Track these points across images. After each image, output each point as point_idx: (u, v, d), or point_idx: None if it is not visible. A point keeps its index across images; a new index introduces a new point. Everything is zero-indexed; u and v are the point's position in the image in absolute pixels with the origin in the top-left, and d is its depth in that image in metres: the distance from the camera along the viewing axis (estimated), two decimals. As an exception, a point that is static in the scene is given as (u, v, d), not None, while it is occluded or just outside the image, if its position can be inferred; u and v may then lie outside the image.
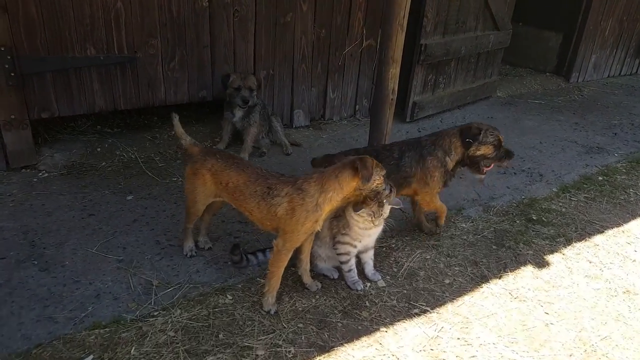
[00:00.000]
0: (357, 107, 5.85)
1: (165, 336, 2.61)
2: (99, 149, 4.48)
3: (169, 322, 2.70)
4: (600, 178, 4.86)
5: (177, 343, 2.57)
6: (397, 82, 3.80)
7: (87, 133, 4.72)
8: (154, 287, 2.96)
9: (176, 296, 2.90)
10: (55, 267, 3.07)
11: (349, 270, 3.07)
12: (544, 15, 8.34)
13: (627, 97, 7.79)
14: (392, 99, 3.85)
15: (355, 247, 3.01)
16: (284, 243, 2.71)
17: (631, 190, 4.65)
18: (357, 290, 3.06)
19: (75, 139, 4.59)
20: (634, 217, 4.19)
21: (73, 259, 3.15)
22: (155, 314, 2.76)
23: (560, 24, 8.19)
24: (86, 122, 4.86)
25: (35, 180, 3.97)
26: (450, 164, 3.40)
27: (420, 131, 5.72)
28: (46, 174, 4.06)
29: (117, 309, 2.78)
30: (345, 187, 2.64)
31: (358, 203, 2.78)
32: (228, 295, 2.94)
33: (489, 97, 7.06)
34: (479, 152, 3.35)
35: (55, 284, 2.93)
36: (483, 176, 3.49)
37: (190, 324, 2.70)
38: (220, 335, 2.66)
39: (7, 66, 3.79)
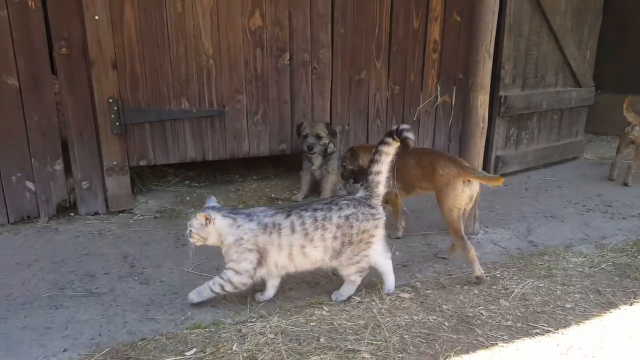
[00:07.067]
0: (432, 163, 5.88)
1: (265, 338, 2.55)
2: (188, 198, 4.71)
3: (267, 326, 2.65)
4: None
5: (278, 344, 2.50)
6: (487, 111, 3.79)
7: (177, 186, 5.01)
8: (249, 300, 2.95)
9: (272, 307, 2.88)
10: (154, 282, 3.14)
11: None
12: (623, 80, 7.92)
13: None
14: (482, 128, 3.79)
15: None
16: None
17: None
18: None
19: (166, 189, 4.88)
20: None
21: (170, 276, 3.23)
22: (253, 320, 2.73)
23: (642, 86, 7.71)
24: (175, 178, 5.19)
25: (131, 221, 4.18)
26: None
27: (506, 185, 5.46)
28: (141, 217, 4.28)
29: (216, 315, 2.77)
30: None
31: None
32: (325, 308, 2.87)
33: (576, 158, 6.73)
34: None
35: (155, 294, 2.99)
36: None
37: (290, 328, 2.64)
38: (322, 340, 2.56)
39: (113, 116, 4.19)
